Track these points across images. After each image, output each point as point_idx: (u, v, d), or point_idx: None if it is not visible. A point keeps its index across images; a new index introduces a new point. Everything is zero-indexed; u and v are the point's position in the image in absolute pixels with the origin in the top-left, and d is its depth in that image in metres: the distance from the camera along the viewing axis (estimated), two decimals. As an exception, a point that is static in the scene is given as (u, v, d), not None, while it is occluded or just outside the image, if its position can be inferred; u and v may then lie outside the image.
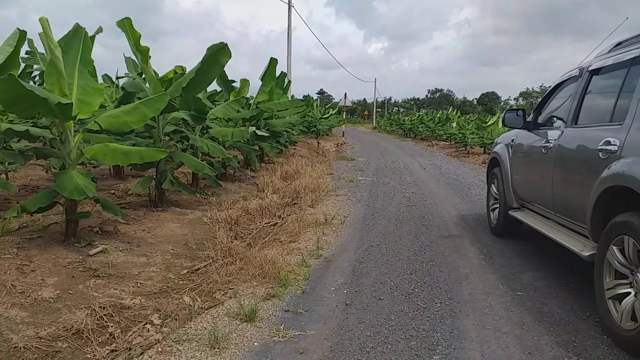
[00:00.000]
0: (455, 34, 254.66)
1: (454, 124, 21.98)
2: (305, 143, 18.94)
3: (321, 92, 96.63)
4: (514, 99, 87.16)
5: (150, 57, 5.81)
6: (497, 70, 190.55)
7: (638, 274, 2.77)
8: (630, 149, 3.01)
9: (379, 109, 79.05)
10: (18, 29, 4.34)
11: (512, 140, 5.27)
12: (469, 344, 2.91)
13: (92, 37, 4.86)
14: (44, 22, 4.06)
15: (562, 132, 4.10)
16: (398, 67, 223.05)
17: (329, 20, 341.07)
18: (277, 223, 5.84)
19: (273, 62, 10.05)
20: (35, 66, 6.91)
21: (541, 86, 76.13)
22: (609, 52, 3.87)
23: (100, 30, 5.15)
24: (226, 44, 5.53)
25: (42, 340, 2.82)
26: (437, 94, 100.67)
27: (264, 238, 5.21)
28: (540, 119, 4.88)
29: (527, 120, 4.98)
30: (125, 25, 5.47)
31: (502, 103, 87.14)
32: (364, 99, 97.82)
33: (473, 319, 3.28)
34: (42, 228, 4.79)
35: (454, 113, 27.85)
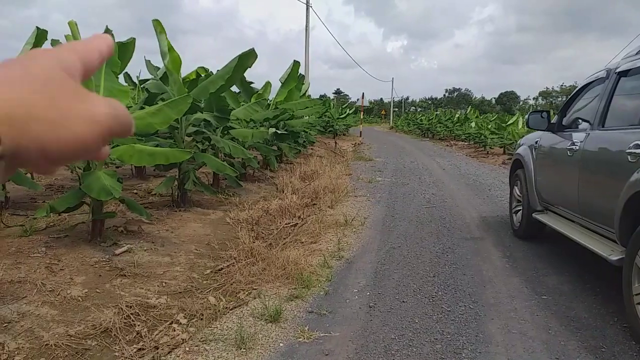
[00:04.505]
0: (477, 32, 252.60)
1: (473, 124, 21.75)
2: (322, 143, 18.95)
3: (338, 92, 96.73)
4: (534, 98, 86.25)
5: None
6: (517, 69, 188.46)
7: (669, 280, 2.73)
8: (661, 152, 2.97)
9: (396, 109, 78.65)
10: (37, 27, 4.38)
11: (536, 142, 5.21)
12: (494, 348, 2.90)
13: (131, 44, 4.99)
14: (72, 25, 4.15)
15: (588, 134, 4.04)
16: (417, 65, 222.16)
17: (348, 19, 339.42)
18: (297, 224, 5.87)
19: (296, 64, 10.12)
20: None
21: (561, 85, 75.11)
22: (637, 53, 3.81)
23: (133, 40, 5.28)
24: (253, 49, 5.66)
25: (72, 338, 2.88)
26: (455, 94, 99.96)
27: (284, 238, 5.23)
28: (565, 121, 4.82)
29: (552, 122, 4.93)
30: (158, 27, 5.59)
31: (521, 102, 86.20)
32: (381, 99, 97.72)
33: (498, 322, 3.26)
34: (69, 227, 4.88)
35: (473, 113, 27.54)
